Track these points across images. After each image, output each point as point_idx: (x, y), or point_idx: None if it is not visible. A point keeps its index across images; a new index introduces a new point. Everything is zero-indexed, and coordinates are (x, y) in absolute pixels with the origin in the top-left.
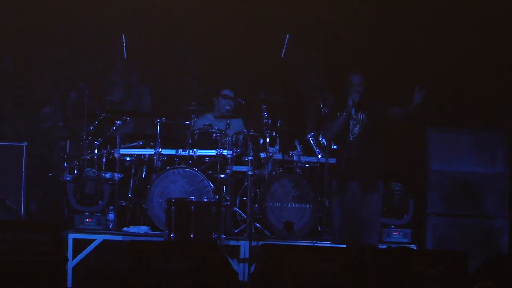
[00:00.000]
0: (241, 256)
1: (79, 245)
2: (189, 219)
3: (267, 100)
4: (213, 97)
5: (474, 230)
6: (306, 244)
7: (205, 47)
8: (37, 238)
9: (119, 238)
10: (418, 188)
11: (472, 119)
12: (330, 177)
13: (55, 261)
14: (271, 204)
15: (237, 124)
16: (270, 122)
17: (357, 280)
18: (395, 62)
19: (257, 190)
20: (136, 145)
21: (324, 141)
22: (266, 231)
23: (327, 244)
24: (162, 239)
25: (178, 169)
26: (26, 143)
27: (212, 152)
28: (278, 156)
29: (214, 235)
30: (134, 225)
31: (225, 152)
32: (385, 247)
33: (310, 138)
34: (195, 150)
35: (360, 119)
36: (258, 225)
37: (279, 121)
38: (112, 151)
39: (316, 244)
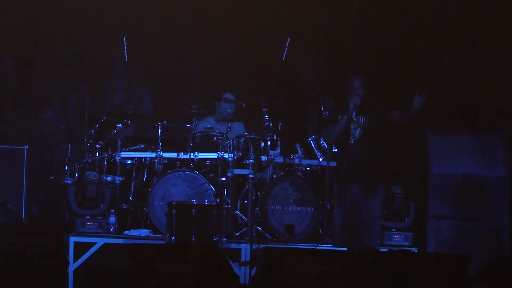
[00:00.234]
0: (242, 259)
1: (80, 248)
2: (190, 222)
3: (268, 103)
4: (215, 100)
5: (475, 232)
6: (307, 247)
7: (206, 50)
8: (38, 241)
9: (120, 241)
10: (419, 191)
11: (473, 121)
12: (331, 180)
13: (56, 264)
14: (272, 207)
15: (238, 127)
16: (271, 125)
17: (358, 283)
18: (396, 64)
19: (258, 193)
20: (137, 148)
21: (325, 144)
22: (267, 234)
23: (328, 247)
24: (163, 242)
25: (179, 172)
26: (27, 146)
27: (213, 155)
28: (279, 159)
29: (215, 238)
30: (135, 228)
31: (226, 155)
32: (386, 250)
33: (311, 141)
34: (196, 153)
35: (361, 122)
36: (259, 228)
37: (280, 124)
38: (113, 154)
39: (317, 247)
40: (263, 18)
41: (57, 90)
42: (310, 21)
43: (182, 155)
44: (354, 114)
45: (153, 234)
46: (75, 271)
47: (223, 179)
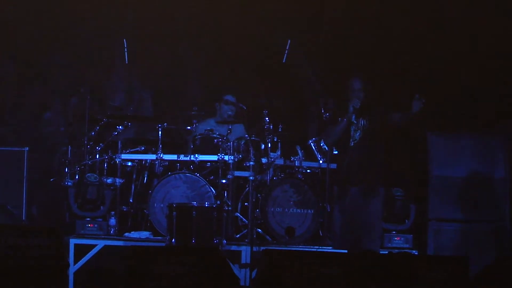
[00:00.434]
0: (243, 261)
1: (81, 250)
2: (190, 225)
3: (269, 105)
4: (215, 102)
5: (475, 234)
6: (307, 249)
7: (207, 52)
8: (38, 243)
9: (120, 243)
10: (419, 193)
11: (473, 123)
12: (331, 182)
13: (56, 266)
14: (272, 209)
15: (238, 129)
16: (271, 128)
17: (358, 286)
18: (397, 65)
19: (259, 195)
20: (138, 150)
21: (325, 146)
22: (267, 236)
23: (329, 249)
24: (163, 244)
25: (180, 174)
26: (27, 148)
27: (214, 158)
28: (280, 162)
29: (216, 240)
30: (135, 230)
31: (226, 158)
32: (387, 252)
33: (311, 143)
34: (196, 155)
35: (361, 124)
36: (260, 230)
37: (280, 126)
38: (114, 156)
39: (317, 250)
40: (263, 20)
41: (57, 92)
42: (311, 22)
43: (182, 157)
44: (353, 117)
45: (154, 236)
46: (75, 273)
47: (224, 181)
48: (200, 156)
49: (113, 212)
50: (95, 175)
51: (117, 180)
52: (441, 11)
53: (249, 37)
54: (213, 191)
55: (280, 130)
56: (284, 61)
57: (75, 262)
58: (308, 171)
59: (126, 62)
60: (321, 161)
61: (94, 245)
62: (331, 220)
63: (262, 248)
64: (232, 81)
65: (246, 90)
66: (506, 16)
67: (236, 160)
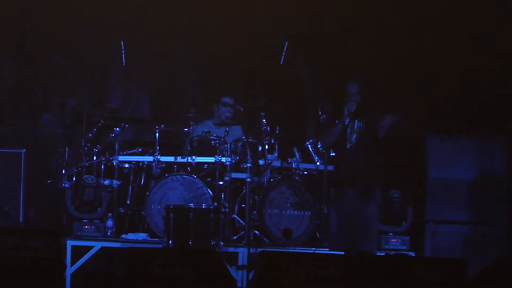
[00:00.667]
0: (240, 263)
1: (78, 252)
2: (187, 226)
3: (266, 107)
4: (213, 104)
5: (473, 237)
6: (304, 251)
7: (205, 54)
8: (35, 244)
9: (117, 245)
10: (417, 195)
11: (471, 126)
12: (328, 184)
13: (53, 267)
14: (269, 211)
15: (236, 131)
16: (268, 129)
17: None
18: (397, 66)
19: (256, 197)
20: (135, 152)
21: (322, 148)
22: (264, 238)
23: (326, 251)
24: (160, 246)
25: (177, 176)
26: (24, 150)
27: (211, 159)
28: (277, 163)
29: (213, 242)
30: (132, 232)
31: (223, 159)
32: (384, 254)
33: (308, 145)
34: (193, 157)
35: (357, 127)
36: (257, 232)
37: (277, 128)
38: (111, 158)
39: (314, 251)
40: (261, 22)
41: (55, 94)
42: (308, 25)
43: (179, 159)
44: (347, 120)
45: (151, 238)
46: (72, 275)
47: (221, 183)
48: (197, 158)
49: (110, 214)
50: (93, 177)
51: (114, 181)
52: (441, 11)
53: (247, 39)
54: (210, 193)
55: (277, 132)
56: (281, 63)
57: (72, 263)
58: (305, 173)
59: (124, 64)
60: (318, 163)
61: (91, 247)
62: (328, 222)
63: (259, 250)
64: (230, 83)
65: (244, 92)
66: (506, 16)
67: (233, 162)
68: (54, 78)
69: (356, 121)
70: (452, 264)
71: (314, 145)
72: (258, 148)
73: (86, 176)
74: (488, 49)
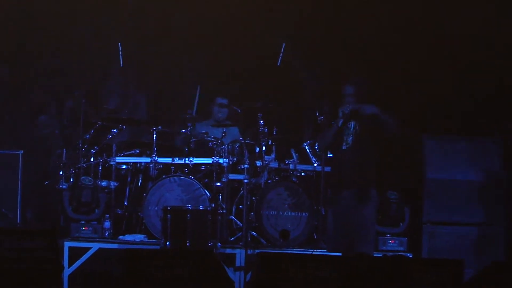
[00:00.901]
0: (237, 264)
1: (75, 253)
2: (185, 228)
3: (263, 109)
4: (209, 105)
5: (470, 238)
6: (302, 252)
7: (202, 55)
8: (33, 246)
9: (115, 246)
10: (414, 196)
11: (470, 126)
12: (326, 185)
13: (51, 269)
14: (267, 213)
15: (233, 132)
16: (266, 131)
17: None
18: (394, 69)
19: (253, 198)
20: (132, 153)
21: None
22: (262, 239)
23: (323, 252)
24: (158, 247)
25: (174, 177)
26: (22, 151)
27: (208, 161)
28: (274, 165)
29: (210, 243)
30: (130, 233)
31: (221, 161)
32: (381, 255)
33: (306, 147)
34: (191, 158)
35: (352, 129)
36: (254, 233)
37: (275, 129)
38: (108, 159)
39: (312, 253)
40: (259, 24)
41: (52, 95)
42: (306, 26)
43: (177, 160)
44: (341, 122)
45: (148, 239)
46: (69, 276)
47: (218, 184)
48: (195, 159)
49: (107, 215)
50: (90, 178)
51: (112, 183)
52: (441, 11)
53: (245, 39)
54: (208, 194)
55: (275, 133)
56: (278, 64)
57: (70, 265)
58: (303, 174)
59: (121, 66)
60: (315, 164)
61: (89, 248)
62: (326, 223)
63: (256, 251)
64: (227, 84)
65: (242, 93)
66: (506, 16)
67: (230, 163)
68: (52, 79)
69: (352, 123)
70: (450, 265)
71: (312, 146)
72: (255, 149)
73: (83, 177)
74: (488, 49)
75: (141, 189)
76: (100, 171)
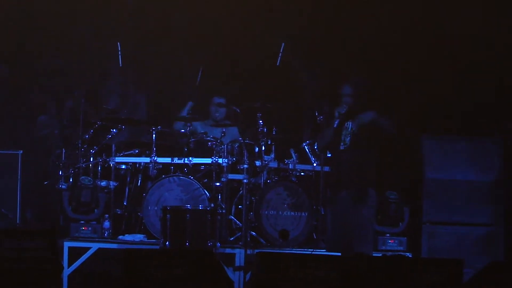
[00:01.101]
0: (237, 264)
1: (75, 253)
2: (184, 227)
3: (263, 108)
4: (207, 105)
5: (469, 238)
6: (301, 252)
7: (202, 55)
8: (32, 246)
9: (114, 246)
10: (414, 196)
11: (469, 126)
12: (325, 185)
13: (50, 269)
14: (266, 212)
15: (232, 132)
16: (265, 130)
17: None
18: (393, 69)
19: (253, 198)
20: (132, 153)
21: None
22: (261, 239)
23: (322, 252)
24: (157, 247)
25: (174, 177)
26: (21, 151)
27: (208, 160)
28: (274, 164)
29: (210, 243)
30: (129, 233)
31: (220, 160)
32: (381, 255)
33: (305, 147)
34: (190, 158)
35: (350, 129)
36: (254, 233)
37: (274, 129)
38: (108, 159)
39: (311, 252)
40: (258, 23)
41: (52, 95)
42: (305, 26)
43: (176, 160)
44: (337, 122)
45: (147, 239)
46: (69, 276)
47: (218, 184)
48: (194, 159)
49: (107, 215)
50: (89, 178)
51: (111, 183)
52: (441, 11)
53: (244, 39)
54: (207, 194)
55: (274, 133)
56: (278, 64)
57: (69, 265)
58: (302, 174)
59: (120, 66)
60: (315, 164)
61: (88, 248)
62: (325, 223)
63: (256, 251)
64: (226, 83)
65: (241, 93)
66: (506, 16)
67: (230, 163)
68: (52, 79)
69: (350, 123)
70: (449, 265)
71: (311, 146)
72: (255, 149)
73: (83, 177)
74: (488, 49)
75: (141, 189)
76: (99, 171)
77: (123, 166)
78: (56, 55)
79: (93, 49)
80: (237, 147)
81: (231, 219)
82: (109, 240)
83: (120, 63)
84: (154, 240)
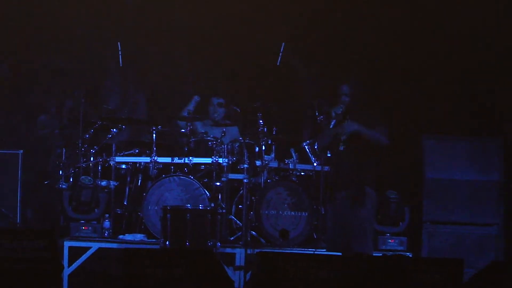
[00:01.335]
0: (237, 264)
1: (75, 252)
2: (184, 227)
3: (263, 108)
4: (207, 104)
5: (469, 237)
6: (301, 252)
7: (202, 55)
8: (33, 245)
9: (114, 245)
10: (414, 195)
11: (467, 126)
12: (325, 185)
13: (50, 268)
14: (266, 212)
15: (232, 132)
16: (265, 130)
17: None
18: (394, 68)
19: (253, 198)
20: (132, 153)
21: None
22: (261, 239)
23: (323, 252)
24: (157, 246)
25: (174, 177)
26: (22, 151)
27: (208, 160)
28: (274, 164)
29: (210, 242)
30: (129, 233)
31: (220, 160)
32: (381, 255)
33: (305, 146)
34: (190, 158)
35: (348, 129)
36: (254, 233)
37: (274, 129)
38: (108, 159)
39: (311, 252)
40: (258, 23)
41: (52, 95)
42: (306, 26)
43: (176, 160)
44: (333, 122)
45: (148, 239)
46: (69, 276)
47: (218, 183)
48: (194, 158)
49: (107, 215)
50: (90, 178)
51: (112, 182)
52: (441, 11)
53: (244, 39)
54: (207, 193)
55: (274, 132)
56: (278, 64)
57: (70, 264)
58: (302, 173)
59: (121, 65)
60: (315, 164)
61: (89, 248)
62: (325, 222)
63: (256, 250)
64: (227, 83)
65: (241, 93)
66: (506, 16)
67: (230, 162)
68: (52, 78)
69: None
70: (450, 265)
71: (311, 146)
72: (255, 149)
73: (83, 177)
74: (488, 49)
75: (141, 188)
76: (99, 170)
77: (124, 166)
78: (56, 55)
79: (93, 49)
80: (237, 147)
81: (232, 219)
82: (110, 239)
83: (121, 63)
84: (154, 240)
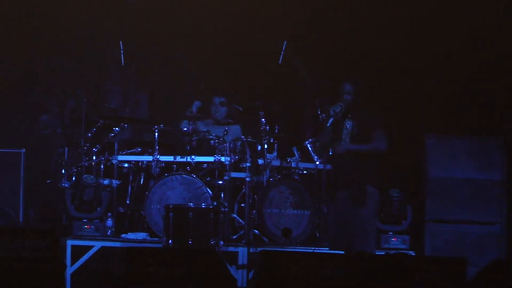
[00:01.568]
0: (240, 262)
1: (78, 251)
2: (187, 226)
3: (265, 107)
4: (209, 104)
5: (472, 236)
6: (304, 250)
7: (203, 54)
8: (35, 244)
9: (117, 244)
10: (416, 194)
11: (470, 125)
12: (328, 183)
13: (53, 267)
14: (269, 211)
15: (235, 130)
16: (268, 129)
17: (355, 287)
18: (395, 68)
19: (255, 196)
20: (134, 151)
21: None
22: (264, 238)
23: (325, 250)
24: (160, 245)
25: (176, 175)
26: (24, 150)
27: (210, 159)
28: (276, 163)
29: (212, 241)
30: (132, 231)
31: (223, 159)
32: (384, 253)
33: (308, 145)
34: (193, 156)
35: (350, 128)
36: (256, 231)
37: (277, 127)
38: (110, 158)
39: (314, 251)
40: (260, 22)
41: (54, 94)
42: (308, 24)
43: (179, 159)
44: (331, 120)
45: (150, 238)
46: (72, 274)
47: (220, 182)
48: (197, 157)
49: (110, 214)
50: (92, 177)
51: (114, 181)
52: (441, 11)
53: (245, 38)
54: (210, 192)
55: (276, 131)
56: (280, 62)
57: (72, 263)
58: (305, 172)
59: (122, 64)
60: (317, 162)
61: (91, 247)
62: (327, 221)
63: (259, 249)
64: (229, 82)
65: (243, 91)
66: (506, 16)
67: (232, 161)
68: (54, 78)
69: (350, 122)
70: (452, 263)
71: (313, 144)
72: (257, 147)
73: (85, 176)
74: (488, 49)
75: (143, 187)
76: (102, 169)
77: (126, 165)
78: (58, 54)
79: (94, 49)
80: (239, 146)
81: (234, 218)
82: (112, 238)
83: (122, 62)
84: (156, 239)
